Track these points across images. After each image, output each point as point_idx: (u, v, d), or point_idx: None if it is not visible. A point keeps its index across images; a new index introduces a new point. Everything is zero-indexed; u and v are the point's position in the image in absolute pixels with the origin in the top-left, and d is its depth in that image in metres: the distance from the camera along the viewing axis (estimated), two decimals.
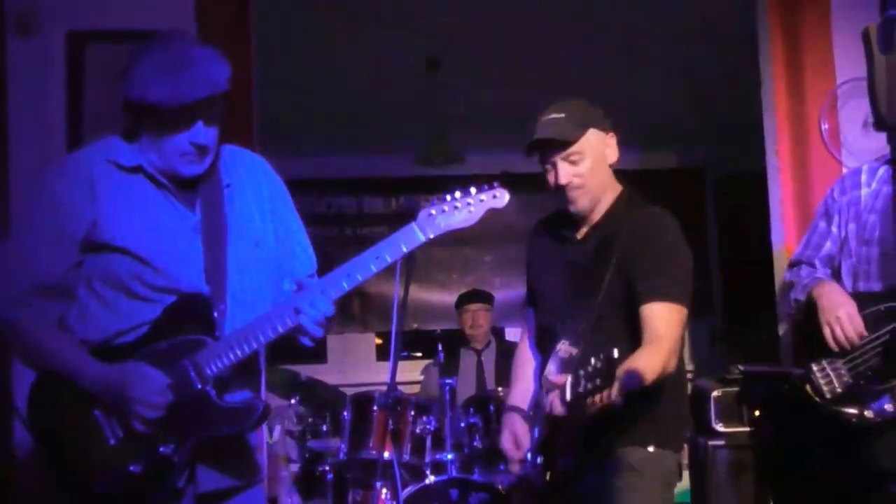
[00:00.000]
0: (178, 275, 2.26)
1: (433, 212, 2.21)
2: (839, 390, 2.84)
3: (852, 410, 2.80)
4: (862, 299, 2.88)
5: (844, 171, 4.02)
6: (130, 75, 2.22)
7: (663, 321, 2.53)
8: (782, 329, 4.14)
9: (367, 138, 7.80)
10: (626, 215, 2.68)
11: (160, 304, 2.25)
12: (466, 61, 6.39)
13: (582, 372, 2.25)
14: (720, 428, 3.56)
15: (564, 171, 2.65)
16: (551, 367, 2.62)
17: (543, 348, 2.82)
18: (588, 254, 2.71)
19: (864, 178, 3.03)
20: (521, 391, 2.92)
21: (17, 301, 2.26)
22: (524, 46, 6.18)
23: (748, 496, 3.46)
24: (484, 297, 5.95)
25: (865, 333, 2.81)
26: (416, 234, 2.21)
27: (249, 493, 2.41)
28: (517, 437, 2.77)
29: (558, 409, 2.34)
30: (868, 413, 2.77)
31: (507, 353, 5.89)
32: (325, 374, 6.26)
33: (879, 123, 1.59)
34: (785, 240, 4.20)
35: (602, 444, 2.59)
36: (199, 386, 2.21)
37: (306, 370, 5.21)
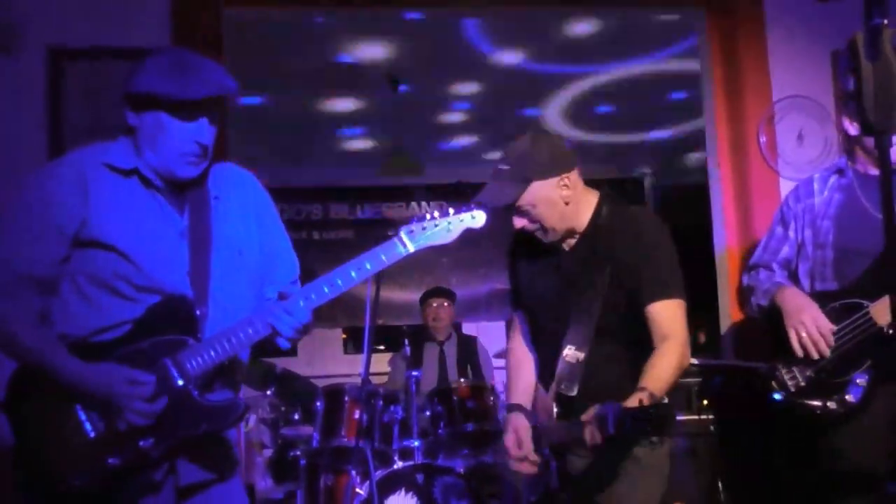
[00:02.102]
0: (163, 276, 2.11)
1: (413, 228, 2.17)
2: (802, 384, 2.76)
3: (816, 403, 2.71)
4: (818, 298, 2.82)
5: (781, 180, 4.03)
6: (138, 74, 2.10)
7: (669, 318, 2.43)
8: (724, 326, 4.11)
9: (333, 150, 7.73)
10: (610, 220, 2.56)
11: (143, 304, 2.09)
12: (426, 80, 6.32)
13: (631, 412, 2.12)
14: None
15: (518, 221, 2.55)
16: (563, 372, 2.48)
17: (541, 346, 2.69)
18: (579, 261, 2.57)
19: (816, 186, 2.98)
20: (522, 388, 2.72)
21: (2, 291, 2.07)
22: (480, 67, 6.12)
23: (701, 478, 3.39)
24: (446, 294, 5.88)
25: (832, 339, 2.72)
26: (397, 247, 2.15)
27: (228, 485, 2.25)
28: (520, 438, 2.60)
29: (599, 439, 2.20)
30: (831, 404, 2.69)
31: (465, 344, 5.85)
32: (296, 366, 6.09)
33: (867, 128, 1.49)
34: (727, 243, 4.17)
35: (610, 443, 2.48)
36: (181, 383, 2.06)
37: (278, 363, 5.08)
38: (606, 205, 2.59)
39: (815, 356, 2.73)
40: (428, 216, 2.17)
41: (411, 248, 2.15)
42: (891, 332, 2.62)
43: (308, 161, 7.99)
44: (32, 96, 3.65)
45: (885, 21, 1.46)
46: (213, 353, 2.08)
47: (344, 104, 6.80)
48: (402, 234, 2.15)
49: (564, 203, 2.52)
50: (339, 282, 2.13)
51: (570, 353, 2.46)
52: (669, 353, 2.38)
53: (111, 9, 3.74)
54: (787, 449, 2.95)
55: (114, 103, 3.61)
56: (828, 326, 2.72)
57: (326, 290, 2.13)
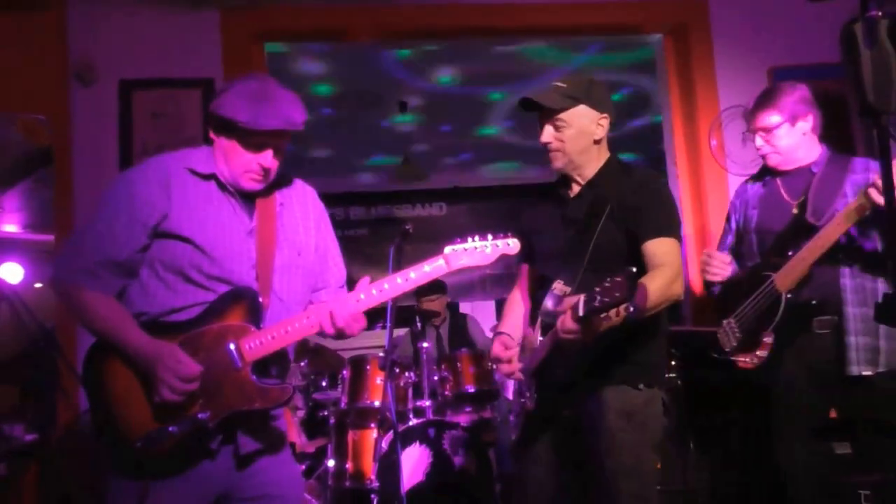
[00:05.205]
0: (231, 268, 2.03)
1: (456, 248, 2.07)
2: (734, 343, 2.72)
3: (745, 359, 2.67)
4: (747, 272, 2.78)
5: (729, 176, 4.00)
6: (221, 97, 2.03)
7: (664, 252, 2.22)
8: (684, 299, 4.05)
9: (353, 162, 7.68)
10: (616, 173, 2.36)
11: (213, 292, 2.02)
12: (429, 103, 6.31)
13: (598, 289, 1.92)
14: None
15: (546, 133, 2.34)
16: (547, 302, 2.24)
17: (539, 295, 2.39)
18: (583, 206, 2.33)
19: (749, 183, 2.97)
20: (511, 322, 2.51)
21: (87, 271, 2.00)
22: (470, 92, 6.07)
23: (670, 424, 3.32)
24: (437, 288, 5.48)
25: (727, 258, 2.80)
26: (441, 264, 2.06)
27: (281, 455, 2.17)
28: (505, 343, 2.38)
29: (570, 324, 2.01)
30: (749, 360, 2.65)
31: (456, 322, 5.65)
32: (325, 341, 6.01)
33: (866, 111, 1.39)
34: (683, 231, 4.10)
35: (597, 381, 2.26)
36: (240, 365, 1.99)
37: (311, 337, 4.97)
38: (616, 160, 2.42)
39: (717, 279, 2.79)
40: (469, 239, 2.07)
41: (453, 267, 2.05)
42: (789, 295, 2.60)
43: (331, 171, 7.93)
44: (107, 121, 3.69)
45: (880, 12, 1.40)
46: (272, 342, 2.00)
47: (360, 122, 6.74)
48: (446, 253, 2.06)
49: (592, 140, 2.35)
50: (387, 286, 2.05)
51: (558, 286, 2.24)
52: (658, 276, 2.17)
53: (172, 45, 3.77)
54: (742, 399, 2.89)
55: (176, 125, 3.67)
56: (724, 256, 2.80)
57: (375, 292, 2.04)
